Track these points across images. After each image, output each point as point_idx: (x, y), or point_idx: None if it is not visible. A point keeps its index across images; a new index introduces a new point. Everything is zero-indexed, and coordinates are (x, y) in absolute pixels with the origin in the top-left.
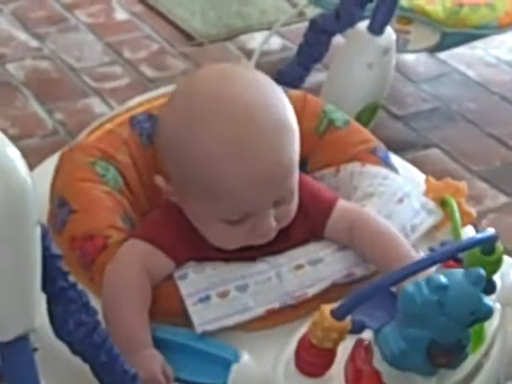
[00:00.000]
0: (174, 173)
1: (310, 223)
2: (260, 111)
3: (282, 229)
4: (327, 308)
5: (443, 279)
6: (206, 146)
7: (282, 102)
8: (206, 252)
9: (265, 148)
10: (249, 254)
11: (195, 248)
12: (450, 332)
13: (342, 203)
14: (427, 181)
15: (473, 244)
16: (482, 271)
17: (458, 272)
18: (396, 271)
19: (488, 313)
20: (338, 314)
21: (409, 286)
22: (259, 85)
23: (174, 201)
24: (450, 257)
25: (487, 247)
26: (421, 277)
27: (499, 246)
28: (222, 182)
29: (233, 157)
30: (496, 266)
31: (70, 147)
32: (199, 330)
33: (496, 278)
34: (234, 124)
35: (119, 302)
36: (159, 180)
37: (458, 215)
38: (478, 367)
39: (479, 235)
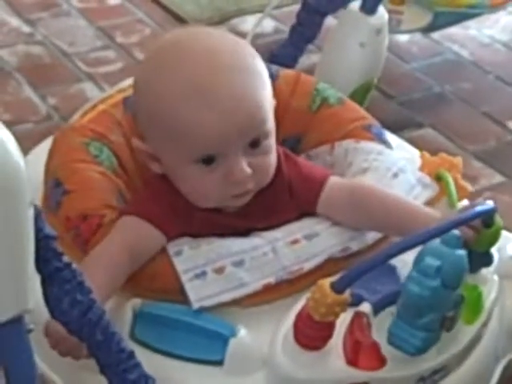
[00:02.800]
0: (145, 124)
1: (300, 203)
2: (222, 54)
3: (272, 208)
4: (326, 283)
5: (435, 261)
6: (169, 88)
7: (246, 50)
8: (195, 225)
9: (226, 87)
10: (240, 228)
11: (185, 221)
12: (452, 300)
13: (335, 179)
14: (422, 156)
15: (474, 216)
16: (456, 232)
17: (437, 245)
18: (395, 245)
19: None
20: (338, 287)
21: (410, 285)
22: (223, 34)
23: (156, 170)
24: (452, 230)
25: (487, 220)
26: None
27: (498, 218)
28: (187, 121)
29: (195, 95)
30: (494, 238)
31: (64, 129)
32: (196, 306)
33: (494, 251)
34: (196, 66)
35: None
36: (135, 141)
37: (453, 189)
38: (476, 339)
39: (480, 207)
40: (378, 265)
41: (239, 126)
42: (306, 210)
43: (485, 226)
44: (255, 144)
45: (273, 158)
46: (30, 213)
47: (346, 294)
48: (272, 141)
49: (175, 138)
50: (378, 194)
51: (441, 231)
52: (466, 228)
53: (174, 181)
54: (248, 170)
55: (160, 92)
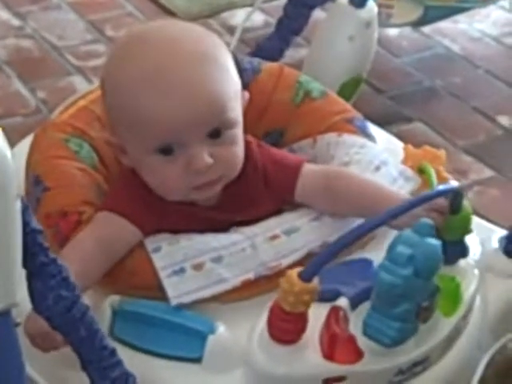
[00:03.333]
0: (110, 115)
1: (277, 192)
2: (183, 42)
3: (248, 199)
4: (294, 272)
5: (407, 249)
6: (128, 76)
7: (210, 40)
8: (170, 219)
9: (184, 76)
10: (218, 223)
11: (160, 215)
12: (427, 289)
13: (309, 166)
14: (405, 149)
15: (436, 194)
16: (427, 220)
17: (409, 233)
18: (356, 227)
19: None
20: (305, 276)
21: (382, 274)
22: (189, 25)
23: (126, 163)
24: (413, 208)
25: (453, 205)
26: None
27: (467, 205)
28: (144, 109)
29: (152, 83)
30: (464, 225)
31: (44, 125)
32: (174, 302)
33: (476, 244)
34: (156, 53)
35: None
36: (106, 134)
37: (435, 182)
38: (456, 331)
39: (442, 187)
40: (342, 249)
41: (196, 114)
42: (284, 199)
43: (452, 212)
44: (216, 134)
45: (238, 149)
46: (18, 206)
47: (314, 282)
48: (237, 131)
49: (134, 127)
50: (353, 176)
51: (402, 210)
52: (432, 212)
53: (140, 173)
54: (208, 160)
55: (120, 80)
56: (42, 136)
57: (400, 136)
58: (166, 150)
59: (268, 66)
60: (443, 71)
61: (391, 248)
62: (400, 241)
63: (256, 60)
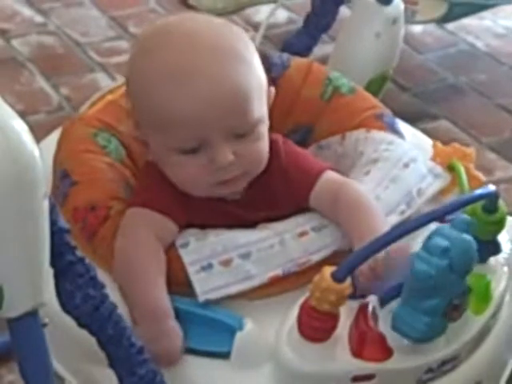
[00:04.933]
0: (134, 109)
1: (294, 194)
2: (206, 39)
3: (271, 196)
4: (328, 269)
5: (443, 241)
6: (150, 72)
7: (234, 35)
8: (197, 213)
9: (208, 72)
10: (244, 219)
11: (187, 209)
12: (460, 287)
13: (329, 174)
14: (434, 146)
15: (475, 199)
16: (466, 216)
17: (446, 228)
18: (393, 229)
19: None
20: (337, 276)
21: (416, 263)
22: (213, 19)
23: (152, 158)
24: (453, 212)
25: (489, 205)
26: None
27: (502, 205)
28: (166, 108)
29: (173, 79)
30: (499, 225)
31: (72, 120)
32: (202, 298)
33: (505, 241)
34: (177, 51)
35: (136, 274)
36: (132, 128)
37: (465, 179)
38: (486, 329)
39: (479, 191)
40: (376, 251)
41: (220, 112)
42: (300, 203)
43: (487, 212)
44: (241, 135)
45: (263, 145)
46: (45, 205)
47: (346, 284)
48: (262, 128)
49: (157, 124)
50: (356, 202)
51: (443, 213)
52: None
53: (162, 168)
54: (231, 157)
55: (143, 75)
56: (70, 130)
57: (425, 133)
58: (190, 150)
59: (297, 61)
60: (467, 68)
61: (427, 239)
62: (437, 233)
63: (285, 55)
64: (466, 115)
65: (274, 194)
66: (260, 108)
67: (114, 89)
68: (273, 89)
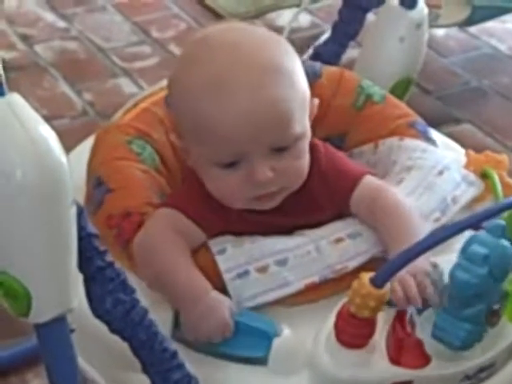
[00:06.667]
0: (176, 119)
1: (335, 199)
2: (248, 52)
3: (311, 203)
4: (366, 275)
5: (483, 249)
6: (192, 84)
7: (276, 46)
8: (233, 222)
9: (245, 87)
10: (281, 226)
11: (222, 218)
12: (499, 291)
13: (369, 179)
14: (467, 154)
15: (509, 205)
16: (500, 221)
17: (483, 234)
18: (429, 236)
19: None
20: (376, 282)
21: (457, 272)
22: (255, 29)
23: (190, 164)
24: (489, 218)
25: None
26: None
27: None
28: (207, 121)
29: (213, 95)
30: None
31: (106, 127)
32: (238, 307)
33: None
34: (219, 64)
35: (163, 261)
36: (172, 137)
37: (499, 187)
38: None
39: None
40: (415, 257)
41: (258, 126)
42: (341, 208)
43: None
44: (281, 148)
45: (303, 162)
46: (73, 211)
47: (385, 290)
48: (303, 144)
49: (197, 136)
50: (394, 208)
51: (480, 219)
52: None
53: (202, 178)
54: (269, 174)
55: (184, 87)
56: (105, 138)
57: (449, 137)
58: (228, 164)
59: (328, 70)
60: (491, 71)
61: (465, 247)
62: (475, 240)
63: (317, 64)
64: (489, 119)
65: (315, 200)
66: (302, 122)
67: (146, 96)
68: (316, 100)
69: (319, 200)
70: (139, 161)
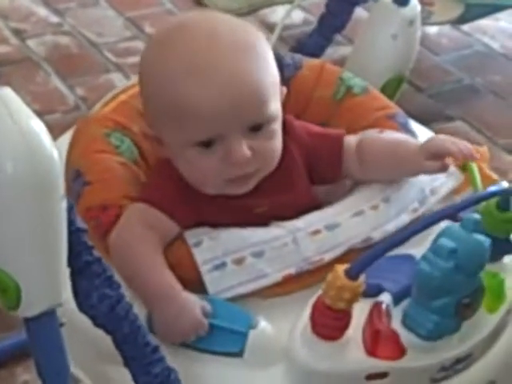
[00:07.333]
0: (147, 105)
1: (323, 166)
2: (223, 34)
3: (280, 181)
4: (341, 267)
5: (450, 243)
6: (166, 66)
7: (250, 31)
8: (206, 210)
9: (224, 65)
10: (255, 213)
11: (195, 207)
12: (469, 286)
13: (348, 137)
14: None
15: (488, 196)
16: (476, 215)
17: (455, 227)
18: (410, 228)
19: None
20: (351, 273)
21: (422, 264)
22: (227, 16)
23: (162, 155)
24: (465, 209)
25: (502, 203)
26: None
27: None
28: (184, 100)
29: (192, 74)
30: None
31: (85, 119)
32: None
33: None
34: (195, 44)
35: (134, 263)
36: (144, 125)
37: (478, 178)
38: (500, 328)
39: (492, 188)
40: (390, 249)
41: (236, 105)
42: (330, 174)
43: (501, 210)
44: (257, 127)
45: (277, 143)
46: (63, 205)
47: (360, 282)
48: (277, 126)
49: (173, 119)
50: (377, 138)
51: (457, 209)
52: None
53: (176, 165)
54: (247, 152)
55: (159, 71)
56: (83, 131)
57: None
58: (206, 143)
59: (309, 62)
60: (483, 69)
61: (435, 240)
62: (444, 234)
63: (298, 56)
64: (481, 116)
65: (288, 177)
66: (275, 103)
67: (126, 89)
68: (284, 88)
69: (293, 176)
70: (118, 153)
